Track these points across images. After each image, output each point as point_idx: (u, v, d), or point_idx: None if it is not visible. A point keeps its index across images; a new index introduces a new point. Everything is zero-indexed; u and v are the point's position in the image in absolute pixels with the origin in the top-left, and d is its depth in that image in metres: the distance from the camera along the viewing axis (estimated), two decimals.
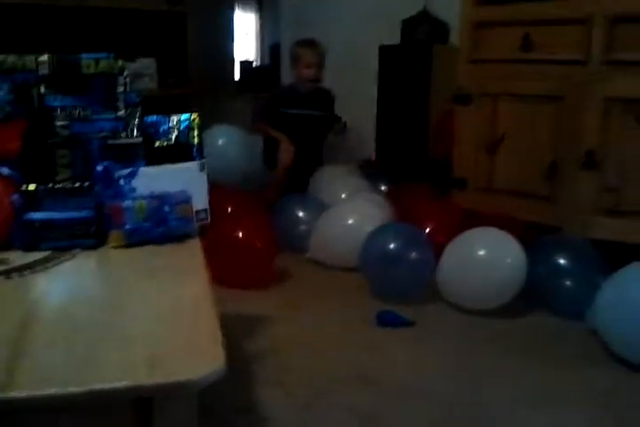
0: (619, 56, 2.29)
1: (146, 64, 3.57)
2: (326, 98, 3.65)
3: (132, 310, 0.96)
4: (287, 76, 4.97)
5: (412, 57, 3.61)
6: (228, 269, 2.33)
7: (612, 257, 2.13)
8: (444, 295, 2.29)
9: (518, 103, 2.59)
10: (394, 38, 3.79)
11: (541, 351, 1.98)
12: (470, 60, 2.73)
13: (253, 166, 3.49)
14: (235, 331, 2.02)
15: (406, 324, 2.13)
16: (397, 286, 2.29)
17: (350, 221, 2.60)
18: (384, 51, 3.75)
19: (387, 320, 2.13)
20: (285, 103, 3.50)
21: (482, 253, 2.17)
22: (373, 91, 3.83)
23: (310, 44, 3.46)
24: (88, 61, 1.42)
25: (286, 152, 3.33)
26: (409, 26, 3.73)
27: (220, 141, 3.36)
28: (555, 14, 2.44)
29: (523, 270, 2.13)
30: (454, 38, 3.47)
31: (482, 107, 2.69)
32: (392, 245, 2.30)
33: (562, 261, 2.17)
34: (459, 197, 2.83)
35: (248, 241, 2.42)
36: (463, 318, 2.21)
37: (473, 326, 2.16)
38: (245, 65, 8.89)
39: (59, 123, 1.40)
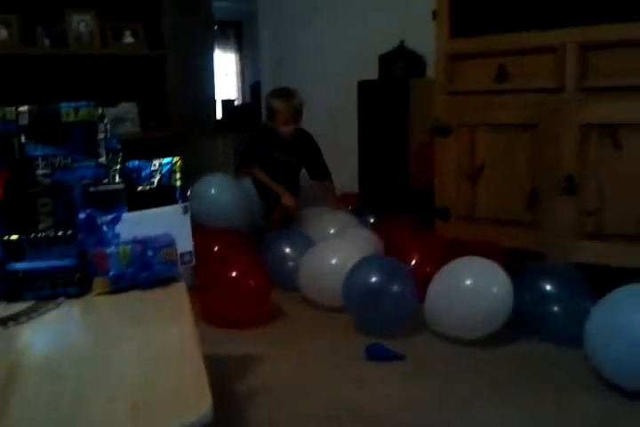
0: (592, 83, 2.34)
1: (127, 108, 3.60)
2: (306, 141, 3.54)
3: (117, 359, 0.96)
4: None
5: (390, 91, 3.66)
6: (223, 310, 2.34)
7: (598, 281, 2.14)
8: (431, 325, 2.28)
9: (496, 133, 2.63)
10: (372, 73, 3.85)
11: (532, 379, 1.97)
12: (447, 92, 2.78)
13: (254, 212, 3.43)
14: (226, 370, 2.01)
15: (395, 357, 2.11)
16: (380, 321, 2.28)
17: (334, 259, 2.54)
18: (363, 86, 3.81)
19: (376, 354, 2.12)
20: (266, 147, 3.44)
21: (468, 282, 2.17)
22: (354, 125, 3.88)
23: (286, 96, 3.38)
24: (67, 110, 1.43)
25: (289, 206, 3.30)
26: (386, 61, 3.80)
27: (213, 191, 3.27)
28: (528, 44, 2.50)
29: (509, 299, 2.13)
30: (431, 72, 3.54)
31: (460, 137, 2.73)
32: (373, 279, 2.27)
33: (548, 288, 2.17)
34: (442, 227, 2.85)
35: (242, 280, 2.41)
36: (452, 348, 2.20)
37: (461, 355, 2.14)
38: (227, 104, 9.00)
39: (40, 172, 1.41)
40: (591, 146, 2.35)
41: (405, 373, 2.03)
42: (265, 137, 3.47)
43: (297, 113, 3.37)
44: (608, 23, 2.28)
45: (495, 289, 2.13)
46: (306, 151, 3.51)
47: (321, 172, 3.56)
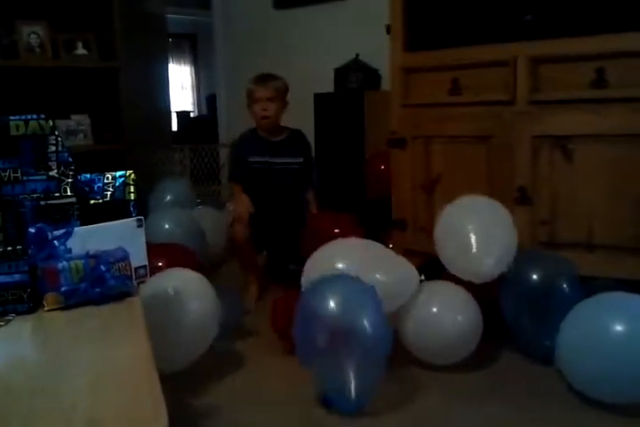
0: (543, 96, 2.39)
1: (80, 121, 3.55)
2: (299, 142, 3.17)
3: (70, 377, 0.94)
4: (225, 126, 5.03)
5: (345, 104, 3.69)
6: None
7: None
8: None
9: (451, 144, 2.67)
10: (327, 86, 3.87)
11: (513, 397, 1.95)
12: (402, 104, 2.81)
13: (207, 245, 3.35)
14: (183, 386, 1.98)
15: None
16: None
17: None
18: (319, 98, 3.83)
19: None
20: (248, 151, 3.07)
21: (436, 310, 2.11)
22: (310, 137, 3.88)
23: (262, 79, 3.07)
24: (17, 123, 1.40)
25: (239, 204, 2.92)
26: (341, 74, 3.83)
27: (167, 226, 3.19)
28: (480, 58, 2.53)
29: (479, 327, 2.11)
30: (385, 85, 3.57)
31: (416, 149, 2.76)
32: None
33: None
34: (399, 238, 2.86)
35: None
36: (423, 373, 2.13)
37: (436, 379, 2.09)
38: (183, 116, 8.95)
39: None
40: (543, 157, 2.39)
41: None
42: (248, 140, 3.13)
43: (272, 93, 3.02)
44: (557, 38, 2.33)
45: (460, 318, 2.09)
46: (299, 153, 3.13)
47: (306, 179, 3.17)
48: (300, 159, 3.12)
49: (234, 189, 3.08)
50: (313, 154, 3.34)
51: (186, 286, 2.02)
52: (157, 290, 1.85)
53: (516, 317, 2.19)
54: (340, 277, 1.96)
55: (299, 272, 2.29)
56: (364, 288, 1.91)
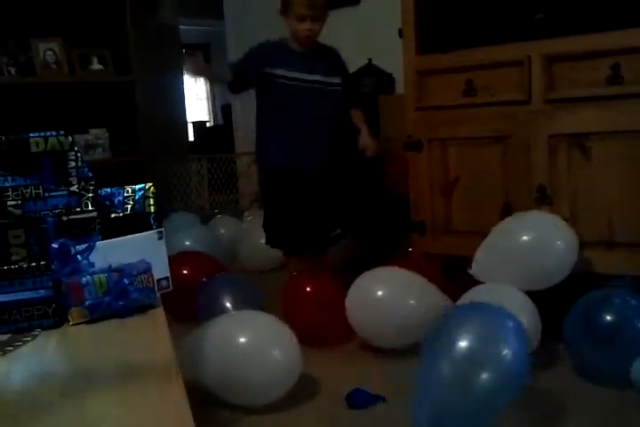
0: (558, 94, 2.38)
1: (98, 135, 3.58)
2: (335, 57, 2.69)
3: (97, 390, 0.94)
4: (240, 135, 5.05)
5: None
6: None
7: (582, 289, 2.16)
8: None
9: (467, 146, 2.66)
10: None
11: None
12: (416, 107, 2.80)
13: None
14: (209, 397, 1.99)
15: (377, 400, 1.96)
16: None
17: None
18: None
19: (357, 401, 1.95)
20: (273, 62, 2.51)
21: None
22: None
23: None
24: (37, 140, 1.42)
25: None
26: (355, 78, 3.83)
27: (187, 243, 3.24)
28: (493, 58, 2.53)
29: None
30: (399, 88, 3.57)
31: (432, 152, 2.75)
32: None
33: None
34: (418, 241, 2.86)
35: None
36: None
37: None
38: (199, 126, 9.01)
39: (10, 203, 1.39)
40: (561, 156, 2.38)
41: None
42: (272, 48, 2.58)
43: (318, 8, 2.56)
44: (570, 35, 2.32)
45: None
46: (336, 70, 2.63)
47: (350, 97, 2.66)
48: (338, 79, 2.59)
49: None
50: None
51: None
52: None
53: (578, 345, 2.07)
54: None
55: (339, 237, 2.33)
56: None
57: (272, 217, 2.58)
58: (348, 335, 2.42)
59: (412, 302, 2.26)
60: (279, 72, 2.45)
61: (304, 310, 2.41)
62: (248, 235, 3.59)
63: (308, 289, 2.48)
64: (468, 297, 2.17)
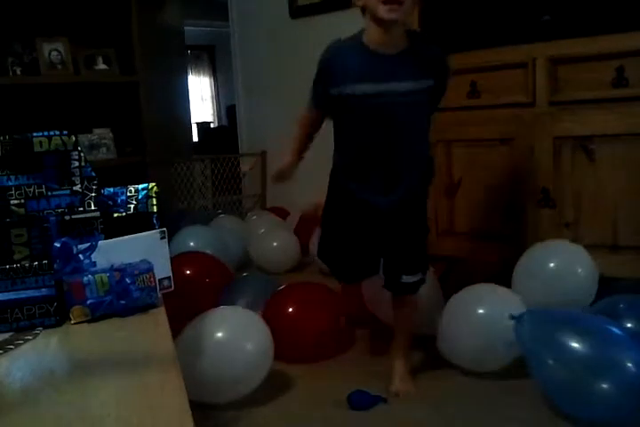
0: (563, 96, 2.38)
1: (102, 134, 3.58)
2: (429, 51, 1.93)
3: (98, 389, 0.94)
4: (245, 136, 5.05)
5: None
6: None
7: None
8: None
9: (472, 148, 2.66)
10: None
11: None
12: None
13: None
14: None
15: (379, 401, 1.96)
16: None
17: None
18: None
19: (358, 402, 1.95)
20: (338, 78, 1.92)
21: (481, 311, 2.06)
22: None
23: None
24: (40, 139, 1.42)
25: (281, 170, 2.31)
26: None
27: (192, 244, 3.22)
28: (498, 60, 2.53)
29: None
30: None
31: (437, 153, 2.74)
32: None
33: None
34: None
35: None
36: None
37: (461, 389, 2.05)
38: (203, 127, 9.02)
39: (13, 202, 1.40)
40: (565, 158, 2.38)
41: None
42: (347, 53, 1.96)
43: None
44: (575, 38, 2.31)
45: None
46: (430, 70, 1.89)
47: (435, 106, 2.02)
48: (431, 81, 1.88)
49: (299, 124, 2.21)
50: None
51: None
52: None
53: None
54: None
55: (416, 285, 2.04)
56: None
57: (329, 244, 2.22)
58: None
59: None
60: (356, 89, 1.86)
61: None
62: (260, 237, 3.59)
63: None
64: (460, 296, 2.18)
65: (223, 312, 2.06)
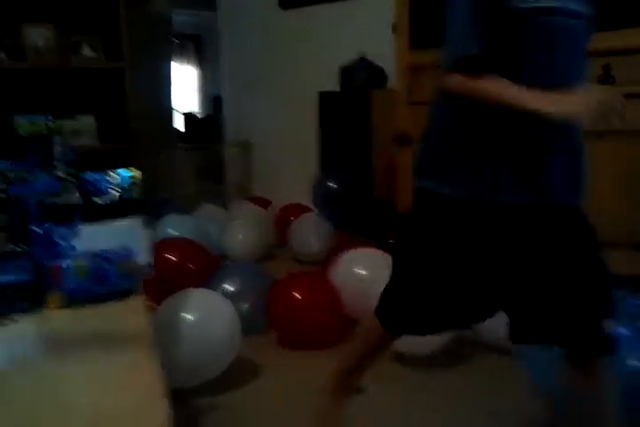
0: None
1: (85, 121, 3.55)
2: None
3: (73, 374, 0.94)
4: (230, 126, 5.04)
5: (351, 102, 3.68)
6: None
7: None
8: None
9: None
10: (333, 85, 3.87)
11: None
12: (408, 102, 2.81)
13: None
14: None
15: None
16: None
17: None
18: (324, 97, 3.82)
19: None
20: None
21: None
22: (314, 136, 3.89)
23: None
24: (23, 123, 1.41)
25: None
26: (347, 73, 3.82)
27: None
28: None
29: None
30: (391, 83, 3.57)
31: None
32: None
33: None
34: None
35: None
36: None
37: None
38: (189, 117, 8.97)
39: None
40: None
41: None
42: None
43: None
44: None
45: None
46: None
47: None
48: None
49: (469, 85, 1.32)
50: None
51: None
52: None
53: None
54: None
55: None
56: None
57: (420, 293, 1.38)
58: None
59: None
60: (545, 3, 1.25)
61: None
62: (233, 225, 3.60)
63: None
64: None
65: (191, 295, 2.06)
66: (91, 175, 1.54)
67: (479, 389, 1.98)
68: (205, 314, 1.97)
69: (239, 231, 3.54)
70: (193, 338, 1.88)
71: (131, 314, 1.19)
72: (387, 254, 2.43)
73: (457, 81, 1.35)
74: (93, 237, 1.33)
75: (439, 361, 2.15)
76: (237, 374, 2.03)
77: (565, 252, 1.28)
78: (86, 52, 3.64)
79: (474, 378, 2.06)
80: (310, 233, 3.52)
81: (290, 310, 2.30)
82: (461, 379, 2.06)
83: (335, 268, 2.52)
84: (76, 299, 1.22)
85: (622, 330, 1.64)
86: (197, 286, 2.38)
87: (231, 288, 2.42)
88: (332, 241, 3.29)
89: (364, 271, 2.44)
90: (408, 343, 2.01)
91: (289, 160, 4.42)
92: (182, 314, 1.91)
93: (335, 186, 3.57)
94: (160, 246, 2.64)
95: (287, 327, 2.31)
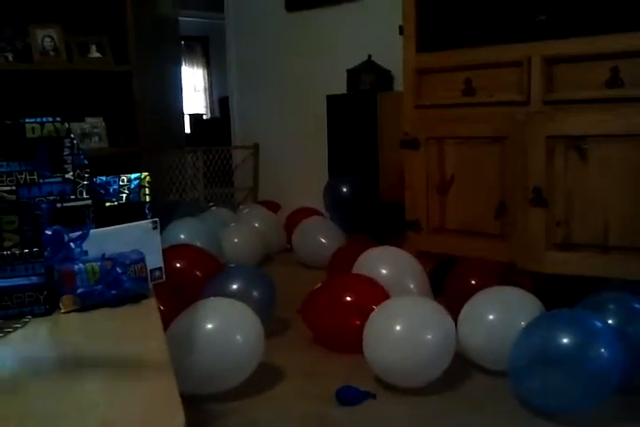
0: (557, 96, 2.38)
1: (94, 123, 3.56)
2: None
3: (87, 378, 0.94)
4: (237, 128, 5.04)
5: (358, 105, 3.68)
6: None
7: (573, 291, 2.16)
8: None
9: (464, 145, 2.65)
10: (340, 88, 3.87)
11: None
12: (415, 105, 2.80)
13: None
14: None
15: (367, 396, 1.96)
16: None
17: None
18: (331, 100, 3.83)
19: (346, 397, 1.94)
20: None
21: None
22: (323, 139, 3.89)
23: None
24: (33, 125, 1.41)
25: None
26: (354, 75, 3.83)
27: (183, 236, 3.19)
28: (493, 58, 2.53)
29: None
30: (398, 85, 3.57)
31: (429, 150, 2.75)
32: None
33: None
34: (412, 239, 2.85)
35: None
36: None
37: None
38: (196, 118, 8.98)
39: (5, 188, 1.38)
40: (558, 157, 2.38)
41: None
42: None
43: None
44: (571, 37, 2.31)
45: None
46: None
47: None
48: None
49: None
50: None
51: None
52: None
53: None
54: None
55: None
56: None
57: None
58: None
59: None
60: None
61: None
62: (233, 229, 3.60)
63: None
64: (478, 298, 2.17)
65: (214, 303, 2.06)
66: (100, 178, 1.54)
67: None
68: (228, 322, 1.97)
69: (246, 235, 3.54)
70: (215, 346, 1.88)
71: (143, 318, 1.19)
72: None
73: None
74: (104, 241, 1.33)
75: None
76: (254, 378, 2.02)
77: None
78: (93, 53, 3.65)
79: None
80: (315, 237, 3.50)
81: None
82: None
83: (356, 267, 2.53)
84: (87, 302, 1.22)
85: None
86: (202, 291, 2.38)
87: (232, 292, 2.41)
88: (339, 245, 3.27)
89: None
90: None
91: (298, 163, 4.43)
92: (204, 322, 1.92)
93: (345, 191, 3.57)
94: (167, 253, 2.62)
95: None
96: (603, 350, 1.69)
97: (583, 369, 1.68)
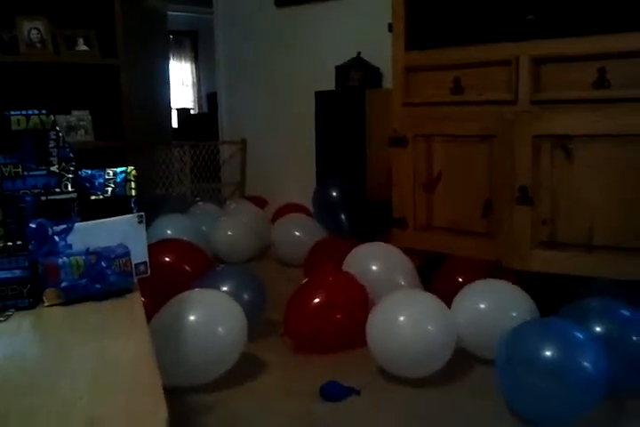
0: (544, 95, 2.39)
1: (80, 117, 3.53)
2: None
3: (70, 372, 0.93)
4: (225, 123, 5.03)
5: (346, 102, 3.68)
6: None
7: (558, 290, 2.17)
8: None
9: (452, 143, 2.66)
10: (329, 84, 3.87)
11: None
12: (403, 103, 2.80)
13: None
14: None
15: (351, 392, 1.96)
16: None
17: None
18: (320, 96, 3.82)
19: (330, 393, 1.95)
20: None
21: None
22: (311, 135, 3.88)
23: None
24: (18, 118, 1.40)
25: None
26: (343, 72, 3.82)
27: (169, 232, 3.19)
28: (482, 57, 2.53)
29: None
30: (387, 83, 3.57)
31: (417, 148, 2.75)
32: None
33: None
34: (399, 237, 2.86)
35: None
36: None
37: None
38: (183, 113, 8.94)
39: None
40: (544, 156, 2.39)
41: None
42: None
43: None
44: (559, 37, 2.32)
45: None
46: None
47: None
48: None
49: None
50: None
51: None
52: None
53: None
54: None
55: None
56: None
57: None
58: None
59: None
60: None
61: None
62: (224, 225, 3.58)
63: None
64: (465, 293, 2.19)
65: (197, 295, 2.05)
66: (86, 172, 1.53)
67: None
68: (211, 313, 1.97)
69: (232, 231, 3.52)
70: (198, 337, 1.88)
71: (127, 312, 1.18)
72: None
73: None
74: (89, 234, 1.32)
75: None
76: (237, 371, 2.02)
77: None
78: (81, 46, 3.62)
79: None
80: (293, 234, 3.47)
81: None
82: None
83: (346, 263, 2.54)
84: (71, 296, 1.21)
85: None
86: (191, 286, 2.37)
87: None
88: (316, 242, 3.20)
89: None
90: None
91: (285, 159, 4.42)
92: (188, 313, 1.92)
93: (333, 193, 3.56)
94: (155, 247, 2.62)
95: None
96: (586, 361, 1.67)
97: (566, 381, 1.67)
